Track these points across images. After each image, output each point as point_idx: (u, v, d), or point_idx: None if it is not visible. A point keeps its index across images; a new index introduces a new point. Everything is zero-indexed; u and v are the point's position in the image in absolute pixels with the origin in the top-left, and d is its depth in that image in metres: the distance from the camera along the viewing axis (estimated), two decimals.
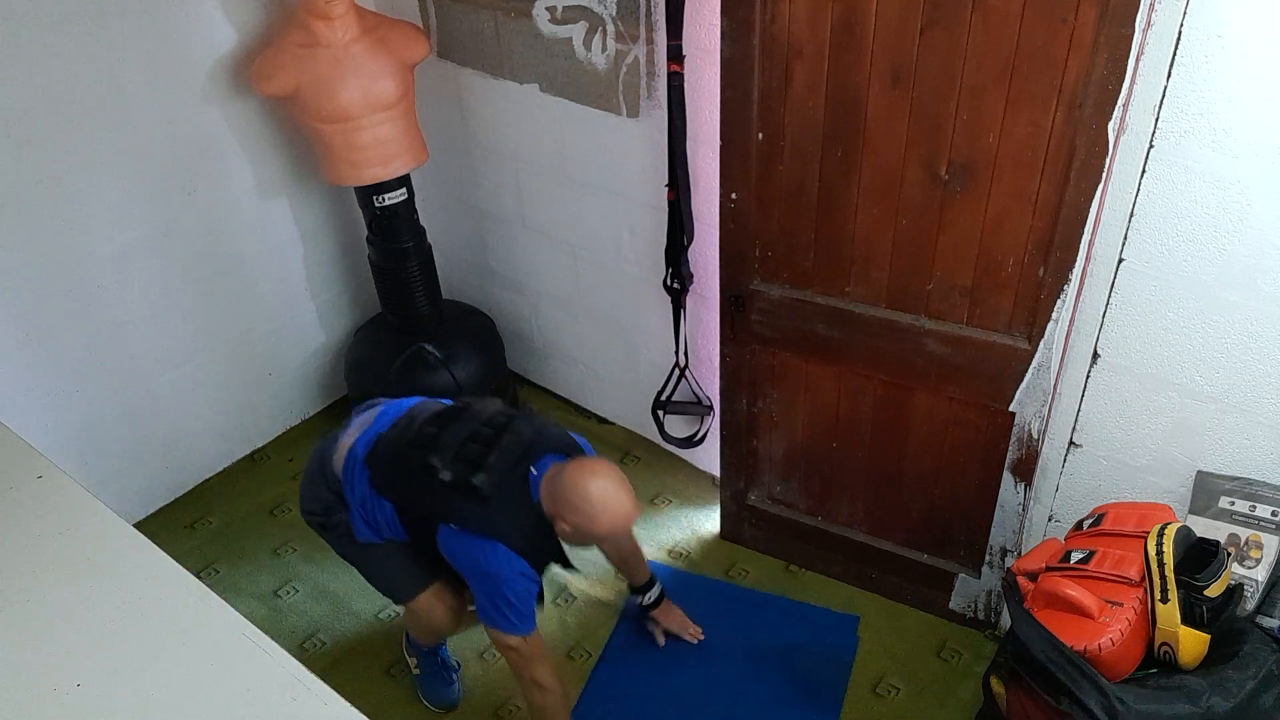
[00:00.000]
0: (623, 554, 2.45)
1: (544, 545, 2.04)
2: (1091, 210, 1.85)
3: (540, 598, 2.08)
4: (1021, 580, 1.97)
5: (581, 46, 2.51)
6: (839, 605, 2.66)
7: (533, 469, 2.01)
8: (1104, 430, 2.12)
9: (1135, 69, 1.69)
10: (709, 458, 2.97)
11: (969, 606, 2.55)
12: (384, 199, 2.77)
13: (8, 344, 2.53)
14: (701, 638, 2.57)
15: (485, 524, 1.97)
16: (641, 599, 2.54)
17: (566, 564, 2.14)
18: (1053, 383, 2.09)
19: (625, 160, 2.61)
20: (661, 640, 2.56)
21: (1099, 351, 2.03)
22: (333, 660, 2.57)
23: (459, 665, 2.52)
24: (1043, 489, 2.29)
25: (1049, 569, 1.92)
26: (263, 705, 1.45)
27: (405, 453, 2.04)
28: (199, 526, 2.95)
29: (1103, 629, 1.76)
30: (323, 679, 1.49)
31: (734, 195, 2.24)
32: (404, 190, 2.80)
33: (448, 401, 2.20)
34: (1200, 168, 1.74)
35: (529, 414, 2.15)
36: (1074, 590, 1.80)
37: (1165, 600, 1.74)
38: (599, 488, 1.93)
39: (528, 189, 2.95)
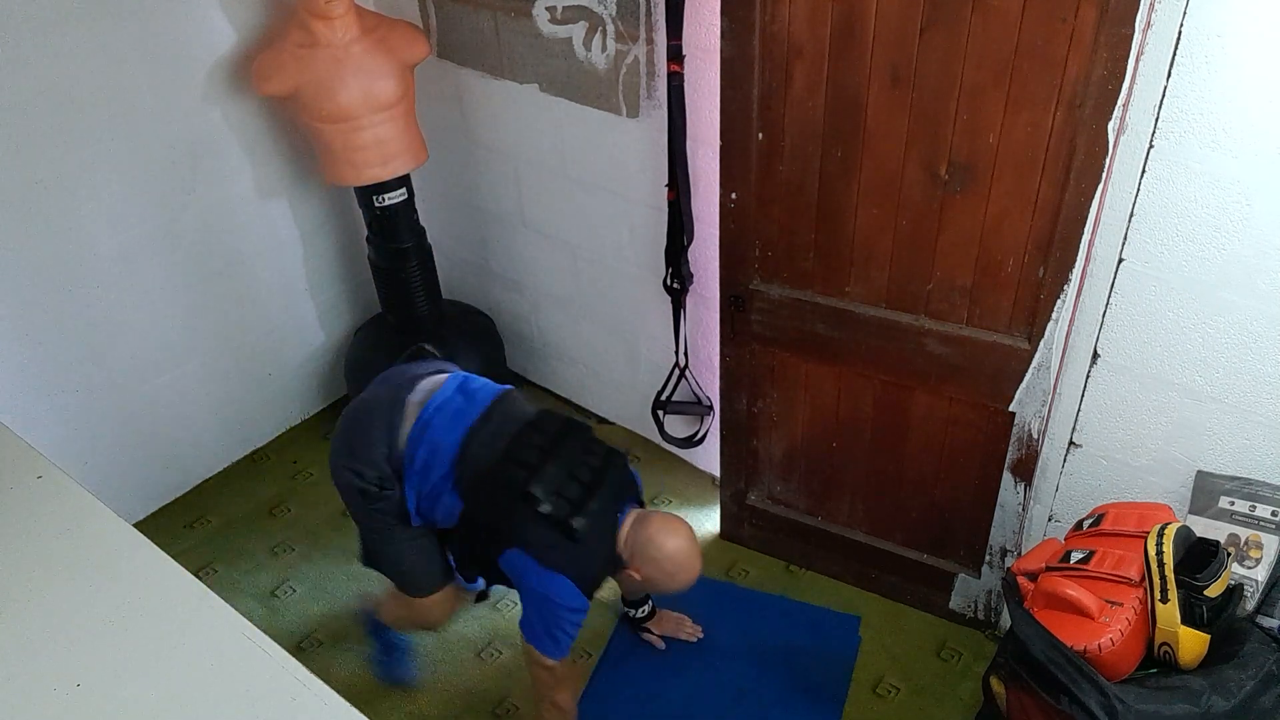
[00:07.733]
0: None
1: (601, 579, 2.11)
2: (1091, 210, 1.85)
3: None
4: (1021, 580, 1.97)
5: (581, 46, 2.51)
6: (839, 605, 2.66)
7: (620, 516, 2.09)
8: (1104, 430, 2.11)
9: (1135, 69, 1.69)
10: (709, 458, 2.97)
11: (969, 606, 2.55)
12: (384, 199, 2.77)
13: (8, 344, 2.53)
14: (700, 635, 2.57)
15: (564, 561, 1.99)
16: (635, 612, 2.55)
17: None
18: (1053, 383, 2.09)
19: (625, 160, 2.61)
20: (661, 645, 2.56)
21: (1099, 351, 2.03)
22: (331, 660, 2.57)
23: (409, 641, 2.53)
24: (1043, 489, 2.29)
25: (1049, 569, 1.92)
26: (262, 705, 1.45)
27: (504, 470, 2.00)
28: (198, 526, 2.95)
29: (1103, 629, 1.76)
30: (321, 679, 1.48)
31: (734, 195, 2.24)
32: (404, 190, 2.80)
33: (530, 411, 2.12)
34: (1200, 168, 1.74)
35: (619, 453, 2.14)
36: (1074, 590, 1.80)
37: (1165, 600, 1.74)
38: (682, 550, 2.06)
39: (528, 189, 2.95)
